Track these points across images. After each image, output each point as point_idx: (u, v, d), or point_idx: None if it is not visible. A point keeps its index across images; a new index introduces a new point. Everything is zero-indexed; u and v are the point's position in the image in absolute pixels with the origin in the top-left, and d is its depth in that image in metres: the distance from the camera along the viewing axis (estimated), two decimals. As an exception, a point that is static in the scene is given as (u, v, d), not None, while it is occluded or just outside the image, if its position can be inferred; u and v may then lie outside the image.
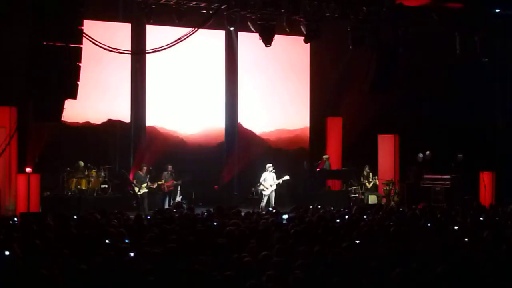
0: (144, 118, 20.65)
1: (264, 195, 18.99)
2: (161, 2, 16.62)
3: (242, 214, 13.20)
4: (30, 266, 7.40)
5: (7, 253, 8.16)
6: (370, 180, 21.05)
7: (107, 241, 9.04)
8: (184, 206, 16.30)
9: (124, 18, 19.50)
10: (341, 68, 21.58)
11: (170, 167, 19.41)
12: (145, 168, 18.88)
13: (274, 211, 14.75)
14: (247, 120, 21.98)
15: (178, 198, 19.22)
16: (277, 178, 19.14)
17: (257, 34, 18.09)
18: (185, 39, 16.13)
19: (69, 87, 14.48)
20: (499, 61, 20.22)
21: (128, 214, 13.29)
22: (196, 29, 16.31)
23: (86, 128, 19.73)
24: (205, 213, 13.65)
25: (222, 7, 16.93)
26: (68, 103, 15.03)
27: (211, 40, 21.23)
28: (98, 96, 19.79)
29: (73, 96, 14.78)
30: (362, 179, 21.07)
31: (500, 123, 21.70)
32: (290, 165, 21.28)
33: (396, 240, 9.30)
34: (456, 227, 11.13)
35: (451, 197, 18.90)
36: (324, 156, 21.30)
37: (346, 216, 13.06)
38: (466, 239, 9.77)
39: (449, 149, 20.62)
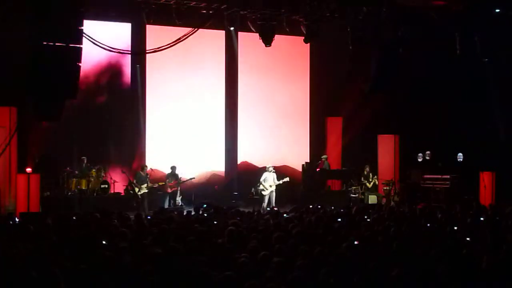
0: (144, 118, 20.66)
1: (264, 195, 19.00)
2: (161, 2, 16.63)
3: (242, 214, 13.20)
4: (30, 266, 7.40)
5: None
6: (370, 180, 21.06)
7: (104, 242, 9.02)
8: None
9: (124, 18, 19.51)
10: (341, 68, 21.57)
11: (174, 167, 19.43)
12: (146, 168, 18.90)
13: (274, 211, 14.75)
14: (247, 119, 21.98)
15: (178, 199, 19.24)
16: (278, 179, 19.16)
17: (257, 34, 18.11)
18: (185, 39, 16.13)
19: (69, 87, 14.48)
20: (499, 61, 20.20)
21: (128, 214, 13.29)
22: (196, 29, 16.32)
23: (86, 128, 19.72)
24: (205, 214, 13.65)
25: (222, 7, 16.94)
26: (68, 103, 15.04)
27: (211, 40, 21.25)
28: (98, 96, 19.81)
29: (73, 96, 14.80)
30: (362, 179, 21.08)
31: (500, 123, 21.68)
32: (290, 165, 21.29)
33: (396, 240, 9.30)
34: (456, 227, 11.12)
35: (451, 197, 18.90)
36: (323, 156, 21.32)
37: (346, 216, 13.05)
38: (466, 239, 9.77)
39: (449, 149, 20.62)
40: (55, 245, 8.73)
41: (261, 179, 19.01)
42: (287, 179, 19.25)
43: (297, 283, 6.67)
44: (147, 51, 19.88)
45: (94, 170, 18.75)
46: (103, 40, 15.85)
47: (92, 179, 18.65)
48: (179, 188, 19.31)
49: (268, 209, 17.58)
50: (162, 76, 20.89)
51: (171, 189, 19.09)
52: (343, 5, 17.68)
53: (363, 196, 20.57)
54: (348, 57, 20.50)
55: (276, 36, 18.15)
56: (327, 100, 22.43)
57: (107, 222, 11.12)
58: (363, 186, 21.01)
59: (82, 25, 14.60)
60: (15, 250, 8.19)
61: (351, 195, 20.73)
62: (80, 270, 7.11)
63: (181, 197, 19.37)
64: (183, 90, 21.07)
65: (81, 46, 14.49)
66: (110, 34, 18.71)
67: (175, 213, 13.94)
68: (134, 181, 18.55)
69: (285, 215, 12.99)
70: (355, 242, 9.03)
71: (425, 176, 20.34)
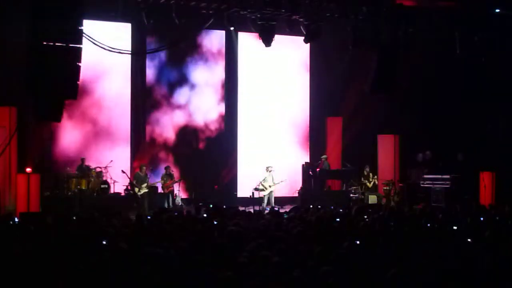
0: (144, 118, 20.68)
1: (264, 195, 19.06)
2: (161, 2, 16.62)
3: (242, 214, 13.20)
4: (29, 266, 7.40)
5: None
6: (370, 180, 21.06)
7: (104, 242, 9.02)
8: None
9: (124, 18, 19.50)
10: (341, 68, 21.57)
11: (168, 167, 19.57)
12: (145, 168, 18.92)
13: (274, 211, 14.75)
14: (247, 119, 21.98)
15: (178, 198, 19.25)
16: (277, 179, 19.19)
17: (257, 34, 18.12)
18: (185, 39, 16.17)
19: (69, 87, 14.48)
20: (499, 61, 20.21)
21: (128, 214, 13.29)
22: (196, 29, 16.32)
23: (86, 128, 19.72)
24: (205, 214, 13.63)
25: (222, 7, 16.93)
26: (68, 103, 15.04)
27: (211, 40, 21.30)
28: (98, 96, 19.81)
29: (73, 96, 14.80)
30: (362, 179, 21.08)
31: (500, 123, 21.69)
32: (290, 165, 21.31)
33: (396, 240, 9.29)
34: (456, 227, 11.12)
35: (451, 197, 18.89)
36: (323, 156, 21.32)
37: (346, 216, 13.04)
38: (466, 239, 9.77)
39: (449, 149, 20.62)
40: (55, 245, 8.73)
41: (261, 180, 19.06)
42: (286, 179, 19.29)
43: (297, 283, 6.67)
44: (147, 51, 19.92)
45: (94, 170, 18.73)
46: (103, 40, 15.87)
47: (92, 179, 18.63)
48: (179, 188, 19.35)
49: (267, 209, 17.60)
50: (161, 75, 20.93)
51: (167, 189, 19.12)
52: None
53: (363, 196, 20.57)
54: (348, 57, 20.54)
55: (276, 36, 18.16)
56: (327, 100, 22.42)
57: (107, 222, 11.11)
58: (363, 186, 21.02)
59: (82, 25, 14.60)
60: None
61: (351, 195, 20.74)
62: (80, 270, 7.11)
63: (181, 197, 19.39)
64: (182, 89, 21.11)
65: (81, 46, 14.50)
66: (110, 34, 18.73)
67: (175, 213, 13.94)
68: (134, 181, 18.55)
69: (285, 215, 12.98)
70: (356, 242, 9.03)
71: (425, 176, 20.33)
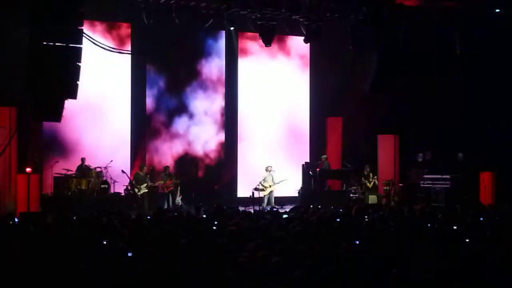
0: (144, 118, 20.67)
1: (264, 195, 19.05)
2: (161, 2, 16.63)
3: (242, 214, 13.20)
4: (29, 266, 7.41)
5: None
6: (370, 180, 21.05)
7: (104, 242, 9.02)
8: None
9: (124, 18, 19.51)
10: (341, 68, 21.57)
11: (168, 167, 19.56)
12: (145, 168, 18.92)
13: (274, 211, 14.75)
14: (247, 119, 21.98)
15: (178, 198, 19.25)
16: (277, 179, 19.19)
17: (257, 34, 18.14)
18: (185, 39, 16.18)
19: (69, 87, 14.49)
20: (499, 61, 20.20)
21: (128, 214, 13.28)
22: (196, 29, 16.33)
23: (86, 128, 19.73)
24: (204, 215, 13.63)
25: (222, 7, 16.95)
26: (68, 103, 15.03)
27: (211, 40, 21.30)
28: (98, 96, 19.80)
29: (73, 96, 14.80)
30: (362, 179, 21.07)
31: (500, 123, 21.68)
32: (290, 165, 21.30)
33: (396, 240, 9.29)
34: (456, 227, 11.12)
35: (451, 197, 18.88)
36: (323, 156, 21.33)
37: (346, 216, 13.04)
38: (466, 239, 9.77)
39: (449, 149, 20.61)
40: (55, 245, 8.73)
41: (261, 180, 19.06)
42: (285, 179, 19.29)
43: (297, 283, 6.67)
44: (147, 51, 19.91)
45: (94, 170, 18.74)
46: (103, 40, 15.88)
47: (92, 179, 18.63)
48: (179, 188, 19.34)
49: (268, 209, 17.60)
50: (161, 75, 20.93)
51: (167, 189, 19.12)
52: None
53: (363, 196, 20.57)
54: (348, 57, 20.54)
55: (276, 36, 18.16)
56: (327, 100, 22.42)
57: (107, 222, 11.12)
58: (363, 186, 21.00)
59: (82, 25, 14.61)
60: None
61: (351, 195, 20.73)
62: (80, 270, 7.11)
63: (181, 197, 19.39)
64: (182, 90, 21.13)
65: (81, 46, 14.51)
66: (110, 34, 18.73)
67: (175, 213, 13.94)
68: (134, 181, 18.55)
69: (285, 215, 12.98)
70: (356, 242, 9.03)
71: (425, 176, 20.32)
